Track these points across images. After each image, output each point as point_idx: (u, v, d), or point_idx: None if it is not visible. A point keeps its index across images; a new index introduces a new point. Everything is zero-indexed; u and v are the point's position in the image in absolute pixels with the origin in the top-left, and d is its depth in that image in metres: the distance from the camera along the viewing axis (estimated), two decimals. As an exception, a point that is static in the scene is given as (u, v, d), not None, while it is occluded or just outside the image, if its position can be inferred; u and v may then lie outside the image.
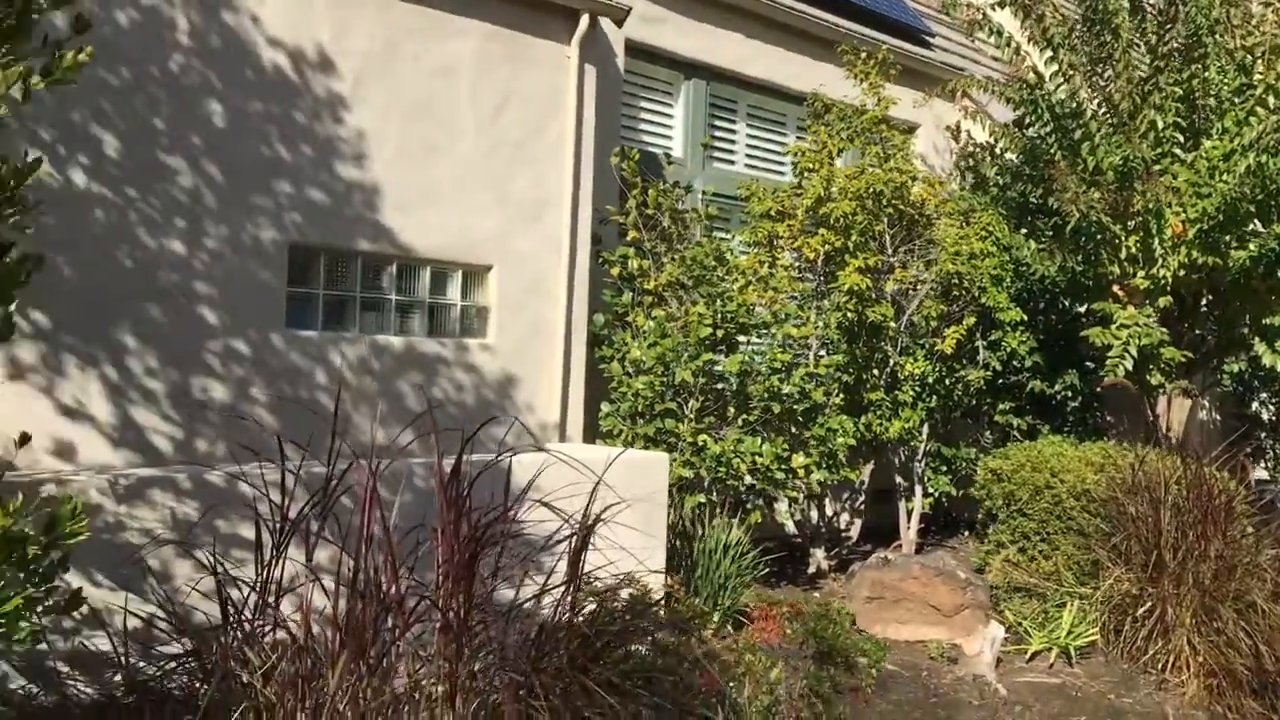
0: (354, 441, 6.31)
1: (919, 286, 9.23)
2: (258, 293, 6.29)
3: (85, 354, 5.68)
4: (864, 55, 9.44)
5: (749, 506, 8.22)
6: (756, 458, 7.79)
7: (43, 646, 3.17)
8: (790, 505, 8.63)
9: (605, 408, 8.00)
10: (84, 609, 3.69)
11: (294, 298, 6.51)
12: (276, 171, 6.33)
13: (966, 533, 10.63)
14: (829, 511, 9.68)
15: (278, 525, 4.27)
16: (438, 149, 7.07)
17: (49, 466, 5.44)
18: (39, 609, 3.02)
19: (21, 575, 3.01)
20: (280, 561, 4.17)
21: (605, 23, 8.07)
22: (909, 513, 9.72)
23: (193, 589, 4.33)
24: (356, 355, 6.72)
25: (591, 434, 8.00)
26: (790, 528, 9.08)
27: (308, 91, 6.46)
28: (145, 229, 5.89)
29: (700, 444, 7.74)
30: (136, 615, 4.26)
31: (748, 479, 7.98)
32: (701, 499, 7.75)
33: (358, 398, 6.69)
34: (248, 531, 5.01)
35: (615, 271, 8.29)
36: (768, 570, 7.92)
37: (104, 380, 5.74)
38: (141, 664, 4.14)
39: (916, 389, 9.31)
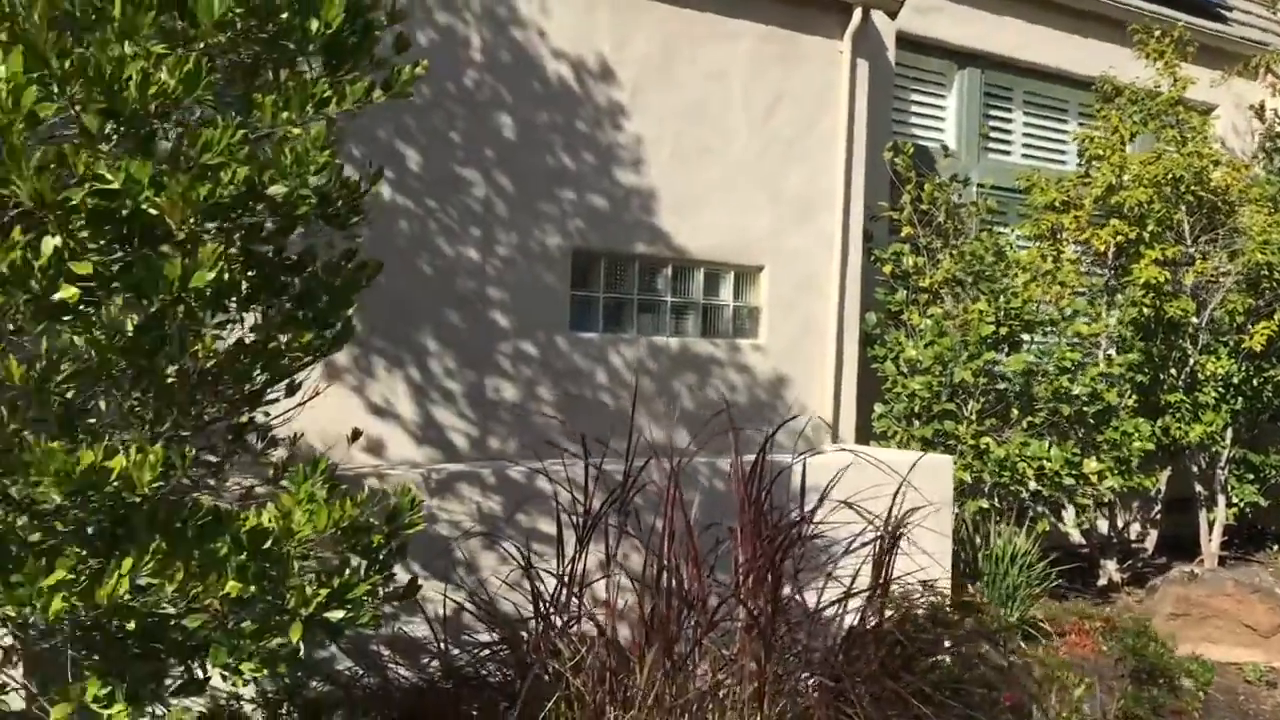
0: (635, 441, 6.41)
1: (1222, 279, 8.52)
2: (544, 297, 6.51)
3: (392, 356, 6.03)
4: (1157, 34, 8.81)
5: (1034, 514, 7.82)
6: (1045, 462, 7.39)
7: (367, 630, 3.37)
8: (1079, 514, 8.15)
9: (878, 409, 7.81)
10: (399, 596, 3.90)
11: (576, 301, 6.70)
12: (561, 179, 6.53)
13: (1275, 546, 9.73)
14: (1119, 521, 9.08)
15: (579, 520, 4.37)
16: (711, 151, 7.11)
17: (362, 461, 5.81)
18: (379, 595, 3.20)
19: (365, 563, 3.20)
20: (583, 556, 4.28)
21: (877, 15, 7.90)
22: (1210, 524, 8.98)
23: (502, 581, 4.50)
24: (634, 356, 6.85)
25: (864, 435, 7.83)
26: (1076, 537, 8.58)
27: (589, 100, 6.63)
28: (444, 238, 6.20)
29: (982, 447, 7.43)
30: (456, 601, 4.48)
31: (1032, 484, 7.59)
32: (983, 504, 7.43)
33: (636, 397, 6.79)
34: (545, 525, 5.19)
35: (888, 269, 8.08)
36: (1055, 581, 7.50)
37: (408, 381, 6.08)
38: (454, 651, 4.34)
39: (1220, 390, 8.59)
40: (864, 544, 4.16)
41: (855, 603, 4.06)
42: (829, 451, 6.66)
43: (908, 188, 8.11)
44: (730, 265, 7.28)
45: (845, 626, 3.99)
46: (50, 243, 2.63)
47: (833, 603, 3.98)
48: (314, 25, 2.96)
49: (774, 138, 7.36)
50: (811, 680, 3.67)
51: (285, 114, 2.89)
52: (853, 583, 4.08)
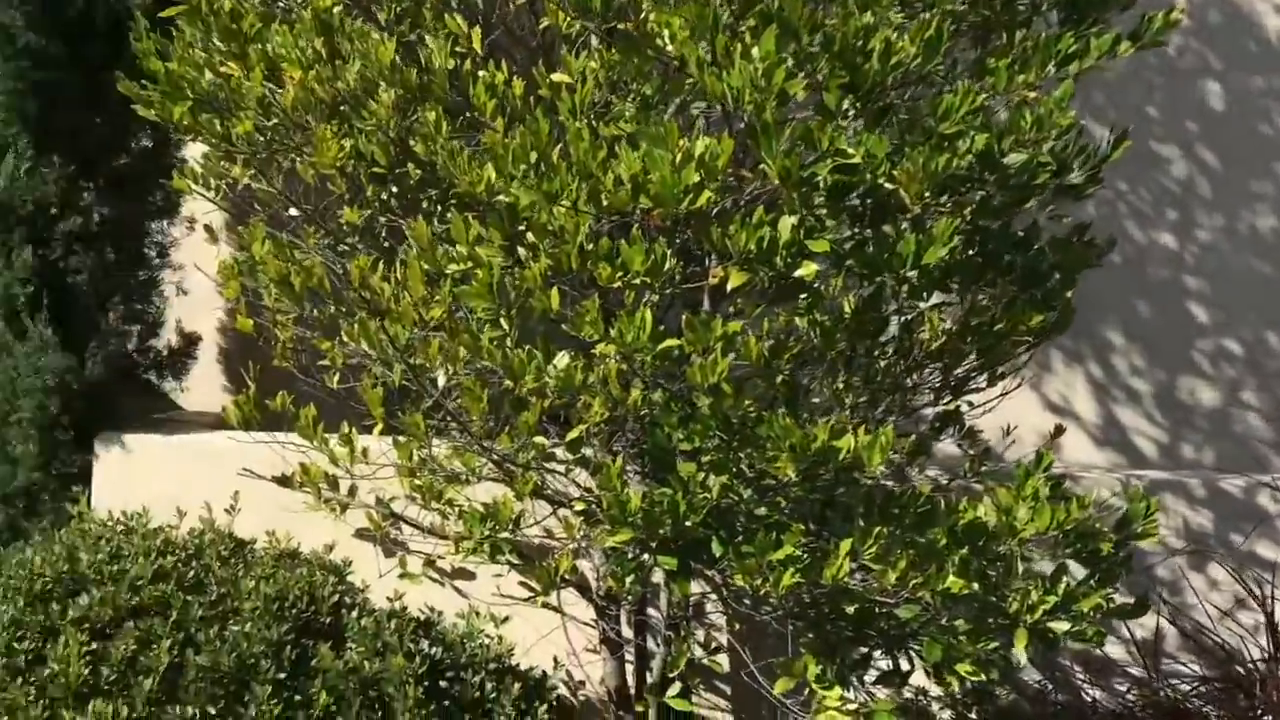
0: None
1: None
2: (1253, 286, 5.69)
3: (1071, 351, 5.65)
4: None
5: None
6: None
7: (1087, 645, 3.06)
8: None
9: None
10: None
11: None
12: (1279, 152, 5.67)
13: None
14: None
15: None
16: None
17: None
18: (1105, 609, 2.87)
19: (1088, 572, 2.90)
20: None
21: None
22: None
23: (1220, 610, 3.94)
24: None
25: None
26: None
27: (1320, 57, 5.68)
28: (1134, 222, 5.68)
29: None
30: (1170, 620, 4.02)
31: None
32: None
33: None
34: (1264, 550, 4.52)
35: None
36: None
37: (1088, 377, 5.67)
38: (1169, 682, 3.88)
39: None
40: None
41: None
42: None
43: None
44: None
45: None
46: (788, 221, 2.66)
47: None
48: (1056, -22, 2.72)
49: None
50: None
51: (1021, 76, 2.68)
52: None
